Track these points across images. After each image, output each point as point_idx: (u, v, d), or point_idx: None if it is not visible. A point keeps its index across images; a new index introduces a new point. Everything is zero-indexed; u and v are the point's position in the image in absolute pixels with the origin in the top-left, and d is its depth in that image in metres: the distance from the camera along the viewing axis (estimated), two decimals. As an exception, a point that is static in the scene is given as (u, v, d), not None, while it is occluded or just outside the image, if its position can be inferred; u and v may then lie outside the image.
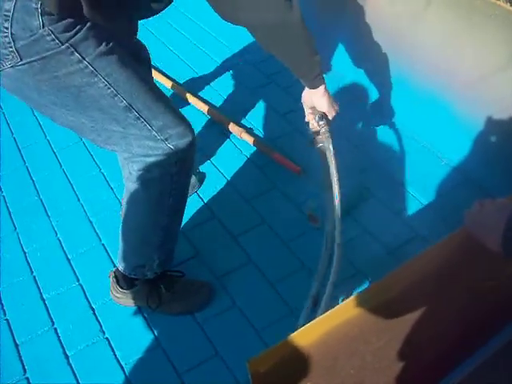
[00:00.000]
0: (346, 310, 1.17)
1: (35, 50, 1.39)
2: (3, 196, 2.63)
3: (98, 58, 1.47)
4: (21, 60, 1.40)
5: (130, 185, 1.82)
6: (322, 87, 1.85)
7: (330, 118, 1.97)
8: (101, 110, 1.56)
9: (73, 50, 1.43)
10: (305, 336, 1.13)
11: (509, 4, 2.13)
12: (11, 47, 1.38)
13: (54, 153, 2.84)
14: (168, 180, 1.76)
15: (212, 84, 3.20)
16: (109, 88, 1.52)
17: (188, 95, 3.01)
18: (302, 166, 2.58)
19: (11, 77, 1.48)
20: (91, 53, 1.46)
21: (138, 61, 1.75)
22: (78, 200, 2.57)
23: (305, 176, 2.57)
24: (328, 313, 1.14)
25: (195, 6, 3.64)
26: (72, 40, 1.42)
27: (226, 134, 2.83)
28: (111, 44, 1.51)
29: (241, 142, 2.76)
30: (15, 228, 2.47)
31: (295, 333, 1.11)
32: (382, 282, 1.21)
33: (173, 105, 1.72)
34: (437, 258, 1.28)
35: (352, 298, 1.17)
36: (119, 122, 1.60)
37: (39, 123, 3.03)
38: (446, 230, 1.29)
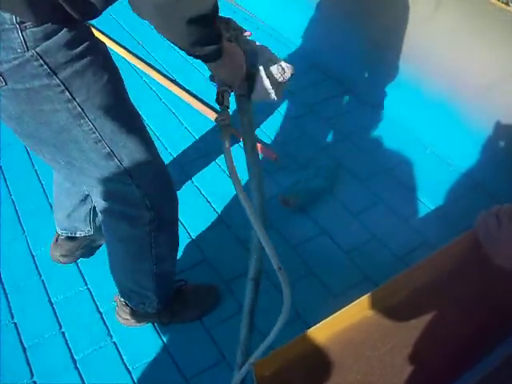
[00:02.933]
0: (352, 314, 1.17)
1: (21, 75, 1.24)
2: (12, 199, 2.63)
3: (89, 99, 1.34)
4: (5, 84, 1.25)
5: (106, 235, 1.75)
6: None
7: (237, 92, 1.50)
8: (81, 151, 1.44)
9: (63, 88, 1.29)
10: (310, 339, 1.12)
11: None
12: None
13: (63, 156, 2.84)
14: (145, 236, 1.67)
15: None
16: (94, 132, 1.39)
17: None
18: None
19: None
20: (83, 91, 1.32)
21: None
22: (87, 204, 2.57)
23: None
24: (333, 316, 1.14)
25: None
26: (64, 73, 1.27)
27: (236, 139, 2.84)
28: (107, 73, 1.38)
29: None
30: (24, 231, 2.47)
31: (300, 336, 1.11)
32: (387, 287, 1.21)
33: (151, 140, 1.59)
34: (442, 263, 1.28)
35: (358, 302, 1.16)
36: (98, 169, 1.49)
37: (48, 127, 3.03)
38: (455, 236, 1.28)
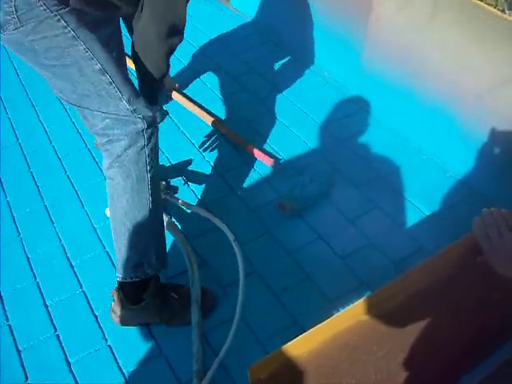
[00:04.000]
0: (347, 318, 1.17)
1: (30, 16, 1.67)
2: (7, 201, 2.63)
3: (78, 28, 1.74)
4: (20, 24, 1.68)
5: (111, 172, 1.94)
6: None
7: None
8: (80, 70, 1.79)
9: (59, 17, 1.70)
10: (305, 343, 1.13)
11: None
12: (13, 15, 1.66)
13: (59, 159, 2.84)
14: (142, 153, 1.92)
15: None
16: (87, 51, 1.77)
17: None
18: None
19: (13, 39, 1.75)
20: (74, 23, 1.73)
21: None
22: (83, 207, 2.57)
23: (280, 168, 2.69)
24: (329, 320, 1.14)
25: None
26: (60, 11, 1.70)
27: (233, 145, 2.84)
28: (91, 25, 1.79)
29: (247, 155, 2.77)
30: (19, 233, 2.47)
31: (296, 340, 1.11)
32: (383, 291, 1.21)
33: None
34: (438, 268, 1.28)
35: (353, 306, 1.17)
36: (95, 86, 1.83)
37: (45, 129, 3.04)
38: (450, 243, 1.29)
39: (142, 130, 1.90)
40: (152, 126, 1.93)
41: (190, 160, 2.76)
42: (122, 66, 2.13)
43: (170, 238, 2.34)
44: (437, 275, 1.27)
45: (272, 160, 2.66)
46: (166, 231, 2.14)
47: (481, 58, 2.27)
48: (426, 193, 2.50)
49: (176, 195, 2.50)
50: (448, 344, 1.33)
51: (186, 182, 2.63)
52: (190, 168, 2.73)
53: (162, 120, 2.60)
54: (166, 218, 2.37)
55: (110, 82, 1.83)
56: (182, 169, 2.70)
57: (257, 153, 2.71)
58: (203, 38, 3.66)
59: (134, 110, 1.87)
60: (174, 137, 2.93)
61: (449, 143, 2.56)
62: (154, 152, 1.97)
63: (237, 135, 2.81)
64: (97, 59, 1.80)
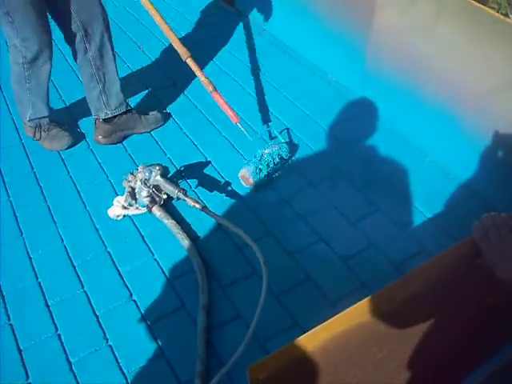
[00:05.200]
0: (348, 319, 1.17)
1: None
2: (10, 201, 2.63)
3: None
4: None
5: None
6: None
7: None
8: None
9: None
10: (305, 344, 1.13)
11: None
12: None
13: (62, 159, 2.85)
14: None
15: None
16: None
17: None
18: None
19: None
20: None
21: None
22: (85, 207, 2.58)
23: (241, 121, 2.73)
24: (329, 321, 1.14)
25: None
26: None
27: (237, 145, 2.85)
28: None
29: (247, 154, 2.77)
30: (21, 233, 2.48)
31: (296, 341, 1.11)
32: (383, 293, 1.21)
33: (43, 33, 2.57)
34: (439, 270, 1.28)
35: (354, 307, 1.17)
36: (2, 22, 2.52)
37: (48, 130, 3.04)
38: (452, 245, 1.29)
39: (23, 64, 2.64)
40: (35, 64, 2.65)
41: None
42: (37, 16, 2.51)
43: (179, 244, 2.37)
44: (437, 277, 1.27)
45: (238, 118, 2.71)
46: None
47: (483, 61, 2.27)
48: (428, 195, 2.50)
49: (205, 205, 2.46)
50: (448, 345, 1.33)
51: (197, 186, 2.64)
52: (194, 170, 2.73)
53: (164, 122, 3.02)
54: (177, 226, 2.39)
55: (11, 22, 2.48)
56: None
57: (222, 103, 2.73)
58: (210, 42, 3.67)
59: (24, 47, 2.57)
60: (178, 139, 2.94)
61: (451, 146, 2.56)
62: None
63: (206, 78, 2.77)
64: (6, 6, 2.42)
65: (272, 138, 2.86)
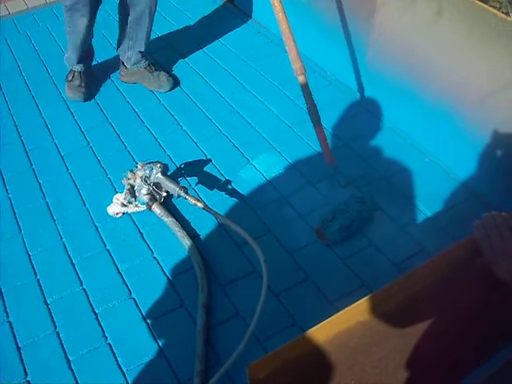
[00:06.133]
0: (347, 319, 1.16)
1: None
2: (9, 198, 2.63)
3: None
4: None
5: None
6: None
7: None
8: None
9: None
10: (305, 343, 1.12)
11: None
12: None
13: (61, 156, 2.84)
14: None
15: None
16: None
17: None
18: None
19: None
20: None
21: None
22: (84, 205, 2.57)
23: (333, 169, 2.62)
24: (328, 320, 1.14)
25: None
26: None
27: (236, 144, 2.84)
28: None
29: (250, 155, 2.77)
30: (20, 230, 2.47)
31: (295, 340, 1.11)
32: (382, 292, 1.21)
33: None
34: (438, 270, 1.28)
35: (353, 307, 1.16)
36: None
37: (47, 126, 3.04)
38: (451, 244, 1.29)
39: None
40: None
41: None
42: None
43: (178, 242, 2.37)
44: (437, 277, 1.27)
45: (333, 160, 2.60)
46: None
47: (484, 60, 2.27)
48: (428, 195, 2.50)
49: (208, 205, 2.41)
50: (447, 345, 1.33)
51: (197, 184, 2.63)
52: (194, 168, 2.73)
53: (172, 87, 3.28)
54: (177, 224, 2.39)
55: None
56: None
57: (323, 140, 2.59)
58: (209, 40, 3.67)
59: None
60: (178, 136, 2.93)
61: (452, 145, 2.56)
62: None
63: (315, 106, 2.55)
64: None
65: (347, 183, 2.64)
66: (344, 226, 2.30)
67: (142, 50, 3.23)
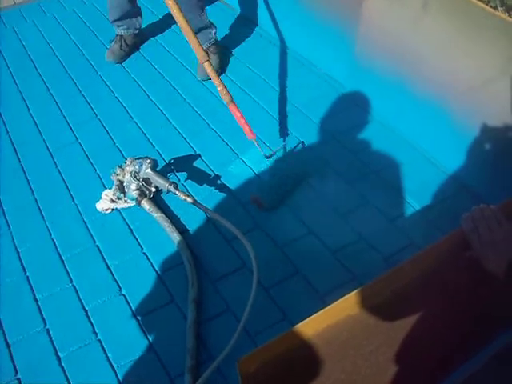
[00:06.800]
0: (336, 312, 1.17)
1: None
2: (-3, 195, 2.62)
3: None
4: None
5: None
6: None
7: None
8: None
9: None
10: (295, 337, 1.13)
11: (507, 14, 2.14)
12: None
13: (50, 152, 2.83)
14: None
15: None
16: None
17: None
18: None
19: None
20: None
21: None
22: (73, 201, 2.56)
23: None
24: (318, 314, 1.14)
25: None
26: None
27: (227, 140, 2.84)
28: None
29: (239, 149, 2.77)
30: (9, 227, 2.46)
31: (284, 334, 1.11)
32: (372, 286, 1.21)
33: None
34: (427, 263, 1.28)
35: (342, 300, 1.17)
36: None
37: (35, 122, 3.03)
38: (441, 237, 1.29)
39: None
40: None
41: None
42: None
43: (168, 238, 2.36)
44: (425, 270, 1.27)
45: (254, 135, 2.65)
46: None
47: (472, 53, 2.27)
48: (418, 188, 2.50)
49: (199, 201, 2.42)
50: (436, 339, 1.34)
51: (186, 179, 2.63)
52: (183, 163, 2.72)
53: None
54: (166, 219, 2.39)
55: None
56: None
57: (238, 117, 2.66)
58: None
59: None
60: (167, 132, 2.93)
61: (441, 139, 2.56)
62: None
63: (224, 88, 2.69)
64: None
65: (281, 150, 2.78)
66: (271, 188, 2.49)
67: None
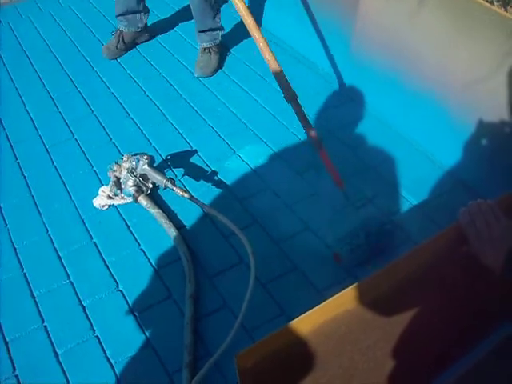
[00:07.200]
0: (334, 307, 1.17)
1: None
2: (-6, 192, 2.61)
3: None
4: None
5: None
6: None
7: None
8: None
9: None
10: (292, 332, 1.13)
11: (503, 8, 2.14)
12: None
13: (46, 149, 2.83)
14: None
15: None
16: None
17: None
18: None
19: None
20: None
21: None
22: (70, 197, 2.56)
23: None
24: (315, 309, 1.14)
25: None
26: None
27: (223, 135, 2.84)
28: None
29: (236, 145, 2.77)
30: (6, 224, 2.46)
31: (283, 328, 1.11)
32: (369, 281, 1.21)
33: None
34: (424, 258, 1.28)
35: (340, 295, 1.17)
36: None
37: (31, 119, 3.02)
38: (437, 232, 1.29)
39: None
40: None
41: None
42: None
43: (165, 234, 2.36)
44: (423, 265, 1.27)
45: (342, 182, 2.39)
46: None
47: (468, 48, 2.27)
48: (414, 183, 2.51)
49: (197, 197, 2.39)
50: (434, 333, 1.34)
51: (183, 175, 2.63)
52: (180, 159, 2.72)
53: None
54: (163, 215, 2.39)
55: None
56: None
57: (329, 164, 2.38)
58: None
59: None
60: (163, 128, 2.93)
61: (437, 134, 2.56)
62: None
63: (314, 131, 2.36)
64: None
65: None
66: (357, 252, 2.20)
67: None
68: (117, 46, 3.44)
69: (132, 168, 2.41)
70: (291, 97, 2.34)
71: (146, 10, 3.43)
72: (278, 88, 3.05)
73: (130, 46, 3.52)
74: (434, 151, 2.62)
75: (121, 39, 3.44)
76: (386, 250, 2.25)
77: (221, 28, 3.31)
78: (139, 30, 3.46)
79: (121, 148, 2.80)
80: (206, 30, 3.25)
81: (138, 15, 3.39)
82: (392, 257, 1.88)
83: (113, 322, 2.08)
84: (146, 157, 2.43)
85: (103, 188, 2.49)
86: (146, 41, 3.59)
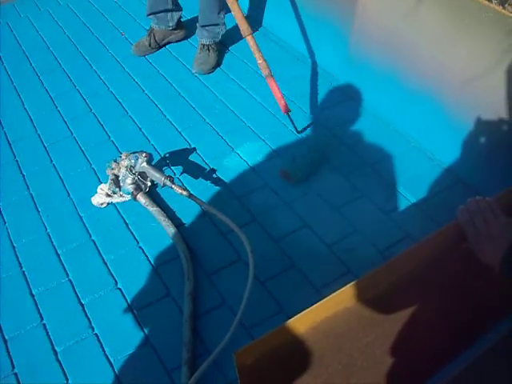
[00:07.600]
0: (333, 305, 1.17)
1: None
2: (-7, 190, 2.61)
3: None
4: None
5: None
6: None
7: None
8: None
9: None
10: (291, 329, 1.13)
11: (501, 6, 2.14)
12: None
13: (45, 147, 2.83)
14: None
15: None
16: None
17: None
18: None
19: None
20: None
21: None
22: (68, 195, 2.56)
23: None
24: (314, 307, 1.14)
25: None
26: None
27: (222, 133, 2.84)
28: None
29: (234, 143, 2.77)
30: (5, 222, 2.46)
31: (282, 326, 1.11)
32: (368, 278, 1.21)
33: None
34: (423, 255, 1.28)
35: (339, 293, 1.17)
36: None
37: (30, 117, 3.02)
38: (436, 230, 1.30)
39: None
40: None
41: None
42: None
43: (164, 232, 2.36)
44: (422, 262, 1.27)
45: (288, 109, 2.75)
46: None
47: (467, 46, 2.27)
48: (412, 181, 2.51)
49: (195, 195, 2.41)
50: (433, 330, 1.34)
51: (181, 173, 2.63)
52: (178, 157, 2.72)
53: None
54: (162, 213, 2.39)
55: None
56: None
57: (276, 90, 2.75)
58: (193, 27, 3.65)
59: None
60: (162, 126, 2.93)
61: (435, 131, 2.57)
62: None
63: (264, 61, 2.80)
64: None
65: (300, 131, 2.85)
66: (303, 164, 2.55)
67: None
68: (150, 45, 3.46)
69: (131, 166, 2.41)
70: (247, 32, 2.78)
71: (178, 9, 3.43)
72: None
73: (163, 45, 3.54)
74: (432, 149, 2.62)
75: (152, 37, 3.44)
76: (328, 159, 2.63)
77: (223, 25, 3.31)
78: (170, 28, 3.46)
79: (119, 146, 2.80)
80: (208, 25, 3.25)
81: (169, 14, 3.39)
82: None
83: (112, 320, 2.08)
84: (144, 155, 2.43)
85: (102, 186, 2.49)
86: (179, 40, 3.59)
